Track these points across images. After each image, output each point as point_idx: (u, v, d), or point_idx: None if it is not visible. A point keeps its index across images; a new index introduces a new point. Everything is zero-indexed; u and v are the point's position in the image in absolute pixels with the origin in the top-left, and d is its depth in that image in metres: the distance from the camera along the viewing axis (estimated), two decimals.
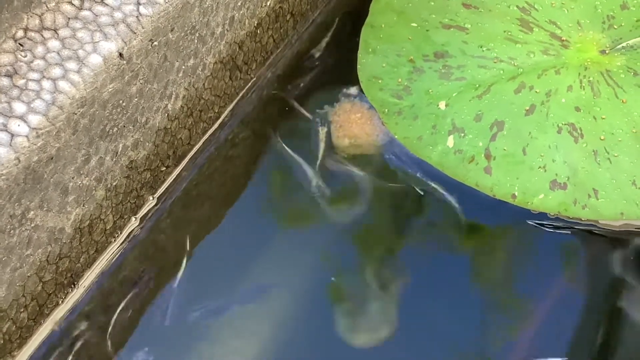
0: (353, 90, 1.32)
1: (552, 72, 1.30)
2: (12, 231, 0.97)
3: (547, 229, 1.21)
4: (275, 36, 1.32)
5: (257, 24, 1.26)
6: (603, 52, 1.33)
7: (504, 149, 1.24)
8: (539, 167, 1.22)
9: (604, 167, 1.22)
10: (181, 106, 1.17)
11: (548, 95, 1.28)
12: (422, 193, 1.25)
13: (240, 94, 1.29)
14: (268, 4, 1.27)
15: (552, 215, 1.21)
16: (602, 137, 1.24)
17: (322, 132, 1.28)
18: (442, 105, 1.28)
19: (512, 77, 1.30)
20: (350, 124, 1.30)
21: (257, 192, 1.26)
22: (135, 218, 1.16)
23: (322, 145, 1.27)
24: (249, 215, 1.24)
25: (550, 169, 1.22)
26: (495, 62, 1.31)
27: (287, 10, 1.32)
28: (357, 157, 1.29)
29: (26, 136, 0.95)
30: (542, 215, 1.21)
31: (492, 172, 1.22)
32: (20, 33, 1.00)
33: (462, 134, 1.25)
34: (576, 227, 1.21)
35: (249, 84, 1.30)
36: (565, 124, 1.25)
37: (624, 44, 1.34)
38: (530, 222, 1.21)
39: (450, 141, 1.25)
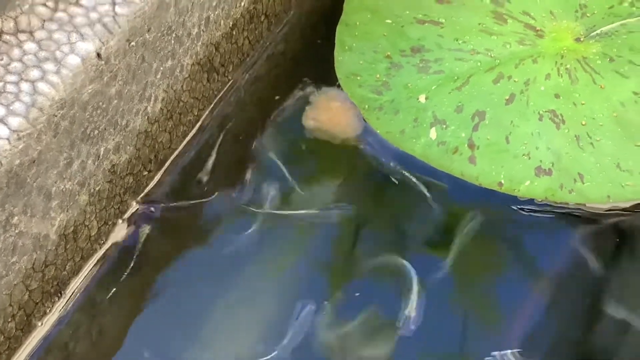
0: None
1: (530, 62, 1.30)
2: None
3: (526, 213, 1.21)
4: (250, 37, 1.31)
5: (232, 25, 1.25)
6: (578, 40, 1.34)
7: (487, 138, 1.23)
8: (523, 155, 1.22)
9: (588, 152, 1.22)
10: (161, 109, 1.15)
11: (527, 84, 1.28)
12: (396, 182, 1.24)
13: (218, 96, 1.28)
14: (242, 4, 1.26)
15: (539, 200, 1.21)
16: (583, 123, 1.24)
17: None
18: (422, 98, 1.28)
19: (490, 68, 1.30)
20: (325, 110, 1.29)
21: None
22: (122, 220, 1.15)
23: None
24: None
25: (534, 156, 1.22)
26: (472, 54, 1.31)
27: (262, 11, 1.31)
28: (320, 142, 1.27)
29: (7, 139, 0.93)
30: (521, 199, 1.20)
31: (476, 161, 1.22)
32: None
33: (444, 126, 1.25)
34: (558, 210, 1.20)
35: (226, 86, 1.29)
36: (546, 111, 1.25)
37: (598, 31, 1.34)
38: (514, 207, 1.21)
39: (433, 133, 1.25)
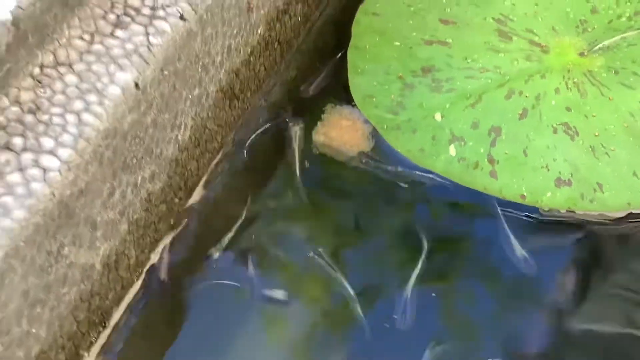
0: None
1: (538, 77, 1.34)
2: (49, 268, 0.95)
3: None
4: (265, 64, 1.33)
5: (250, 52, 1.27)
6: (582, 54, 1.38)
7: (505, 153, 1.26)
8: (542, 167, 1.25)
9: (604, 162, 1.25)
10: (189, 136, 1.17)
11: (538, 99, 1.31)
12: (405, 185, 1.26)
13: (239, 123, 1.29)
14: (259, 32, 1.28)
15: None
16: (596, 134, 1.28)
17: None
18: (437, 116, 1.31)
19: (501, 85, 1.33)
20: (335, 127, 1.31)
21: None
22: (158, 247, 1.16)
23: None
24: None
25: (553, 168, 1.25)
26: (481, 72, 1.34)
27: (275, 38, 1.34)
28: (327, 158, 1.30)
29: (58, 170, 0.94)
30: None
31: (497, 175, 1.25)
32: (36, 70, 0.99)
33: (462, 142, 1.28)
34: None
35: (246, 112, 1.31)
36: (559, 124, 1.29)
37: (600, 45, 1.38)
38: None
39: (452, 150, 1.27)
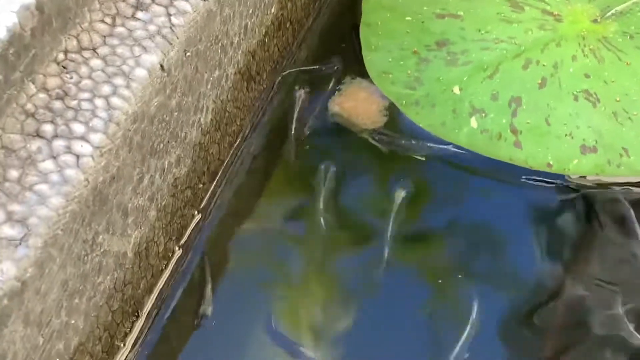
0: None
1: (553, 45, 1.33)
2: (85, 257, 0.93)
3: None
4: (279, 45, 1.31)
5: (265, 32, 1.25)
6: (595, 21, 1.37)
7: (528, 122, 1.25)
8: (566, 135, 1.24)
9: (627, 127, 1.24)
10: (211, 119, 1.15)
11: (555, 67, 1.30)
12: (423, 159, 1.25)
13: (256, 105, 1.27)
14: (272, 11, 1.26)
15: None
16: (617, 99, 1.27)
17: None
18: (456, 90, 1.29)
19: (517, 55, 1.32)
20: (351, 99, 1.30)
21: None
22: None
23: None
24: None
25: (577, 135, 1.24)
26: (496, 43, 1.33)
27: (287, 17, 1.32)
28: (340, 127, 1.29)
29: (91, 156, 0.91)
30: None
31: (522, 145, 1.23)
32: (61, 56, 0.97)
33: (484, 114, 1.26)
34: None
35: (262, 94, 1.29)
36: (579, 92, 1.28)
37: (612, 11, 1.37)
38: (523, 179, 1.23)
39: (474, 122, 1.26)
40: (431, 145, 1.27)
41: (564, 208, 1.22)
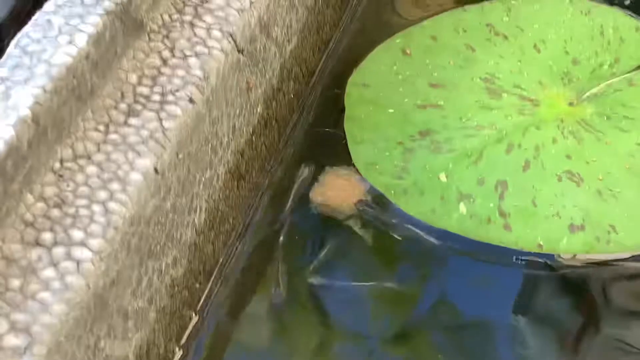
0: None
1: (533, 129, 1.36)
2: None
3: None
4: (266, 143, 1.33)
5: (252, 132, 1.28)
6: (571, 104, 1.41)
7: (515, 205, 1.28)
8: (553, 215, 1.26)
9: (612, 204, 1.27)
10: (204, 219, 1.16)
11: (537, 150, 1.33)
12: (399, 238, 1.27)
13: (247, 203, 1.29)
14: (258, 111, 1.29)
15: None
16: (600, 178, 1.30)
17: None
18: (442, 177, 1.32)
19: (499, 140, 1.35)
20: (332, 187, 1.32)
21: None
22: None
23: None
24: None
25: (564, 215, 1.26)
26: (478, 130, 1.36)
27: (273, 116, 1.34)
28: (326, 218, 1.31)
29: (91, 261, 0.92)
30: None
31: (511, 228, 1.26)
32: (57, 165, 0.99)
33: (471, 199, 1.29)
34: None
35: (252, 192, 1.31)
36: (562, 172, 1.30)
37: (587, 94, 1.42)
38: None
39: (463, 208, 1.28)
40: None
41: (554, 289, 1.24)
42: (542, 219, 1.26)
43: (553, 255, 1.24)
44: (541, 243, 1.24)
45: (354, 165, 1.34)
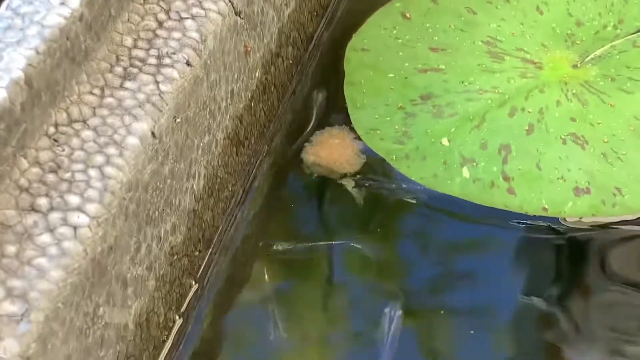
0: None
1: (537, 92, 1.34)
2: (87, 331, 0.91)
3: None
4: (265, 109, 1.31)
5: (250, 97, 1.25)
6: (575, 66, 1.38)
7: (519, 169, 1.25)
8: (558, 179, 1.24)
9: (618, 166, 1.25)
10: (204, 185, 1.14)
11: (541, 113, 1.31)
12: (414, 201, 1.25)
13: (247, 170, 1.27)
14: (256, 75, 1.27)
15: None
16: (605, 140, 1.28)
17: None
18: (445, 141, 1.29)
19: (502, 104, 1.32)
20: (325, 147, 1.31)
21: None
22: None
23: None
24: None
25: (569, 178, 1.24)
26: (480, 94, 1.34)
27: (271, 81, 1.32)
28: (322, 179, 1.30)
29: (88, 226, 0.90)
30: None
31: (515, 192, 1.23)
32: (51, 129, 0.96)
33: (474, 164, 1.26)
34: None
35: (251, 159, 1.28)
36: (567, 135, 1.28)
37: (591, 56, 1.39)
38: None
39: (466, 172, 1.26)
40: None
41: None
42: (547, 183, 1.24)
43: (557, 218, 1.22)
44: (546, 206, 1.22)
45: (346, 125, 1.32)
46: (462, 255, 1.25)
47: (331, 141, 1.33)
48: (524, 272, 1.21)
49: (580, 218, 1.22)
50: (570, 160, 1.26)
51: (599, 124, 1.30)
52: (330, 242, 1.23)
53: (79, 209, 0.91)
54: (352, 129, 1.33)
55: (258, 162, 1.30)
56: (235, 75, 1.20)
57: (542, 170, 1.25)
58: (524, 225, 1.23)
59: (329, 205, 1.29)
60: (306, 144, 1.32)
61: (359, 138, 1.31)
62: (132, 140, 0.98)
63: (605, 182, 1.23)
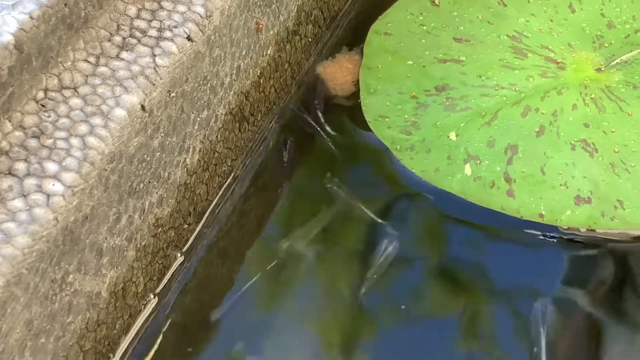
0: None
1: (554, 93, 1.31)
2: (54, 297, 0.93)
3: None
4: (276, 86, 1.30)
5: (260, 74, 1.25)
6: (599, 69, 1.35)
7: (523, 171, 1.23)
8: (560, 185, 1.22)
9: (624, 178, 1.22)
10: (198, 160, 1.14)
11: (555, 115, 1.28)
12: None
13: (249, 146, 1.27)
14: (269, 52, 1.26)
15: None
16: (616, 150, 1.25)
17: None
18: (452, 136, 1.28)
19: (516, 102, 1.30)
20: (336, 65, 1.37)
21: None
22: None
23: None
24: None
25: (572, 185, 1.21)
26: (496, 90, 1.32)
27: (285, 59, 1.31)
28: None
29: (62, 195, 0.91)
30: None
31: (515, 194, 1.21)
32: (40, 94, 0.97)
33: (478, 161, 1.25)
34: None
35: (256, 135, 1.28)
36: (577, 141, 1.25)
37: (617, 60, 1.35)
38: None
39: (468, 169, 1.24)
40: None
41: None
42: (549, 188, 1.22)
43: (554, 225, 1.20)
44: (543, 213, 1.20)
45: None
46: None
47: (344, 64, 1.37)
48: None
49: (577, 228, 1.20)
50: (577, 167, 1.23)
51: (612, 132, 1.27)
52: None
53: (55, 176, 0.92)
54: None
55: (265, 139, 1.30)
56: (244, 52, 1.19)
57: (545, 175, 1.23)
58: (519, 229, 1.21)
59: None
60: (326, 60, 1.38)
61: None
62: (120, 112, 0.98)
63: (609, 193, 1.21)
